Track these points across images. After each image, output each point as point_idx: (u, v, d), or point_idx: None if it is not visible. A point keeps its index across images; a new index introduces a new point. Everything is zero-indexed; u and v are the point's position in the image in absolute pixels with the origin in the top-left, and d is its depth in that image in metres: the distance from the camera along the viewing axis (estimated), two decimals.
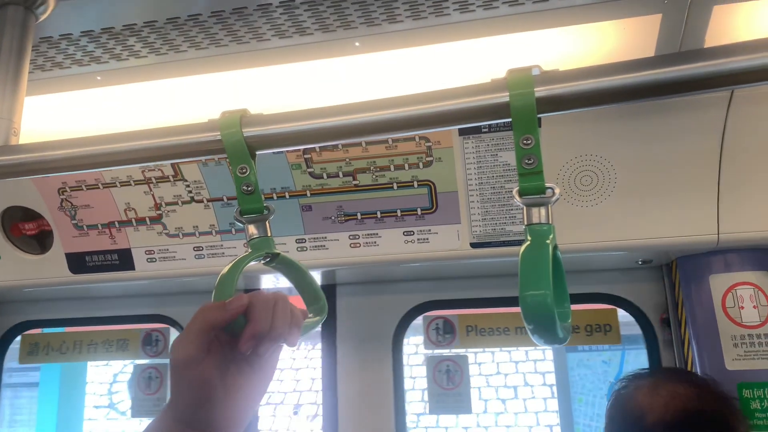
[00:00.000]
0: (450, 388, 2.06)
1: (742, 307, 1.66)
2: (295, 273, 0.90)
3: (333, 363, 2.08)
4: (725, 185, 1.57)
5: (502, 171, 1.62)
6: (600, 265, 1.96)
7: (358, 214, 1.71)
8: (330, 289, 2.11)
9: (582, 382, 5.16)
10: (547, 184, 0.75)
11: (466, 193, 1.65)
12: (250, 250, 0.85)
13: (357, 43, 1.28)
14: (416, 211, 1.69)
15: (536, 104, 0.76)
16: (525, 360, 7.07)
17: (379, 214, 1.70)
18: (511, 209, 1.65)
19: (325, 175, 1.67)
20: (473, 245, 1.70)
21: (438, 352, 2.10)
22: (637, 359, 5.09)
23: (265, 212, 0.85)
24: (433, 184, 1.65)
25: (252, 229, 0.84)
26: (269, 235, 0.85)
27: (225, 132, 0.83)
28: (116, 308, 2.28)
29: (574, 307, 2.05)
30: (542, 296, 0.66)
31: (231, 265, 0.81)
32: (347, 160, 1.64)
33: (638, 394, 1.46)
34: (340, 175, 1.66)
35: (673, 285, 1.88)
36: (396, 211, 1.70)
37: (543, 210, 0.75)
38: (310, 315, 0.88)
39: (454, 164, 1.62)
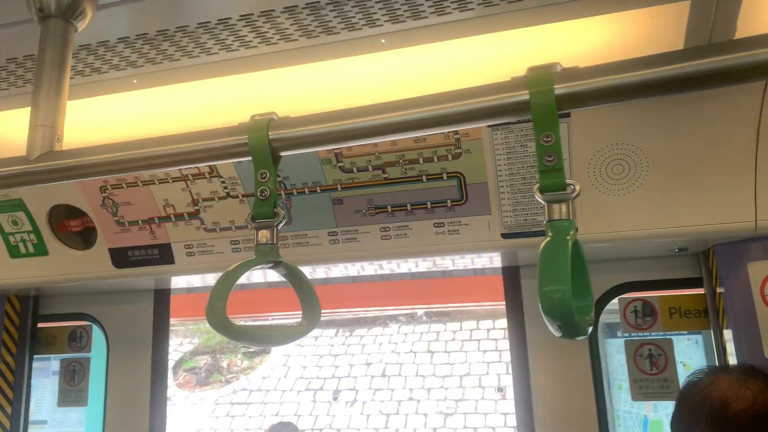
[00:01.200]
0: (654, 373, 1.98)
1: None
2: (297, 280, 0.94)
3: (523, 347, 2.00)
4: (762, 171, 1.53)
5: (532, 162, 1.62)
6: (635, 253, 1.95)
7: (389, 207, 1.73)
8: (513, 270, 2.04)
9: (622, 368, 5.08)
10: (568, 181, 0.76)
11: (496, 184, 1.66)
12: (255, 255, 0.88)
13: (383, 40, 1.30)
14: (446, 202, 1.70)
15: (556, 101, 0.77)
16: None
17: (409, 207, 1.72)
18: None
19: (355, 169, 1.70)
20: (504, 236, 1.70)
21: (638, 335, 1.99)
22: (678, 346, 4.98)
23: (275, 218, 0.88)
24: (463, 175, 1.66)
25: (262, 234, 0.88)
26: (276, 242, 0.88)
27: (251, 136, 0.86)
28: (43, 307, 2.41)
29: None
30: (561, 291, 0.67)
31: (236, 266, 0.85)
32: (376, 153, 1.66)
33: (723, 384, 1.46)
34: (370, 168, 1.69)
35: (710, 273, 1.85)
36: (426, 203, 1.71)
37: (564, 206, 0.76)
38: (304, 321, 0.91)
39: (484, 156, 1.62)
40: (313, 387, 9.04)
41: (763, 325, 1.63)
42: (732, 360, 1.74)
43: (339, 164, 1.69)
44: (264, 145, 0.85)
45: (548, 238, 0.74)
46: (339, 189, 1.73)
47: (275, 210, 0.87)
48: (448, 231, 1.73)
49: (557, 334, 0.72)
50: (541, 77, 0.78)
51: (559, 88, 0.77)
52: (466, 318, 9.79)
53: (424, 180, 1.68)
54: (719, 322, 1.80)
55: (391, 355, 9.33)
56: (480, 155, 1.62)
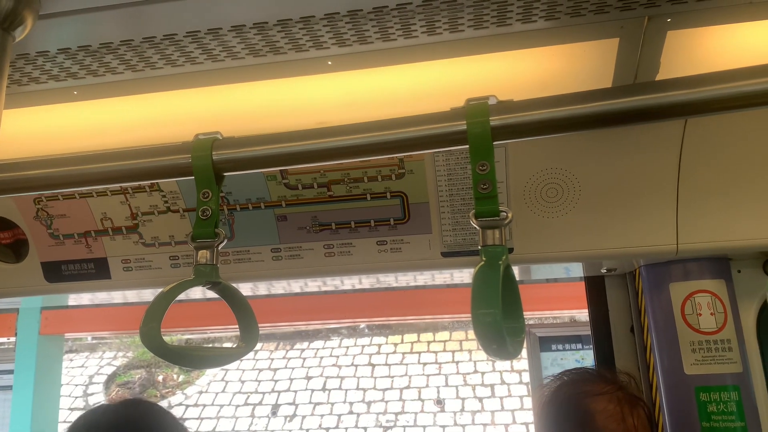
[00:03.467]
0: None
1: (700, 314, 1.73)
2: (235, 301, 0.93)
3: None
4: (683, 197, 1.64)
5: (471, 183, 1.67)
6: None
7: (333, 224, 1.75)
8: None
9: None
10: (501, 208, 0.80)
11: (437, 204, 1.70)
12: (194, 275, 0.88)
13: (330, 62, 1.32)
14: (389, 221, 1.73)
15: (492, 132, 0.81)
16: None
17: (353, 224, 1.75)
18: None
19: (300, 186, 1.71)
20: (444, 254, 1.75)
21: None
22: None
23: (216, 238, 0.88)
24: (406, 195, 1.70)
25: (201, 255, 0.88)
26: (216, 262, 0.88)
27: (195, 155, 0.86)
28: None
29: None
30: (492, 315, 0.71)
31: (172, 287, 0.85)
32: (322, 171, 1.68)
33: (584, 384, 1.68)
34: (315, 186, 1.70)
35: (636, 292, 1.95)
36: (369, 222, 1.74)
37: (497, 232, 0.80)
38: (241, 343, 0.91)
39: (426, 176, 1.67)
40: (252, 402, 8.88)
41: (683, 343, 1.74)
42: (656, 375, 1.84)
43: (284, 181, 1.70)
44: (207, 165, 0.86)
45: (482, 263, 0.78)
46: (283, 205, 1.73)
47: (216, 230, 0.88)
48: (391, 249, 1.76)
49: (489, 354, 0.75)
50: (478, 109, 0.83)
51: (495, 120, 0.82)
52: (408, 331, 9.87)
53: (368, 198, 1.71)
54: (644, 339, 1.90)
55: (332, 369, 9.28)
56: (422, 176, 1.66)
